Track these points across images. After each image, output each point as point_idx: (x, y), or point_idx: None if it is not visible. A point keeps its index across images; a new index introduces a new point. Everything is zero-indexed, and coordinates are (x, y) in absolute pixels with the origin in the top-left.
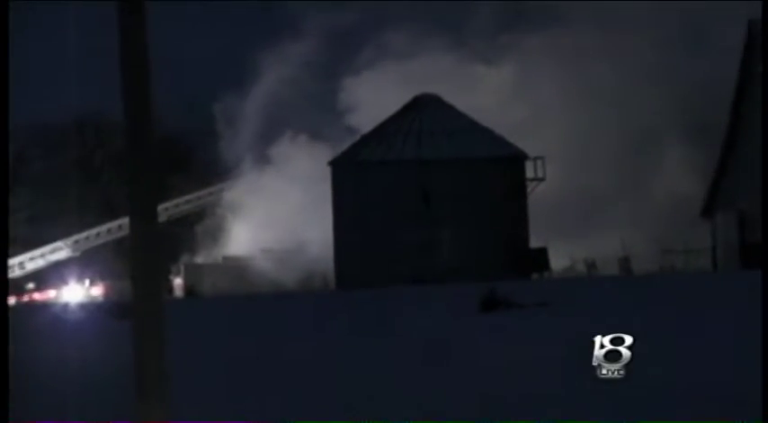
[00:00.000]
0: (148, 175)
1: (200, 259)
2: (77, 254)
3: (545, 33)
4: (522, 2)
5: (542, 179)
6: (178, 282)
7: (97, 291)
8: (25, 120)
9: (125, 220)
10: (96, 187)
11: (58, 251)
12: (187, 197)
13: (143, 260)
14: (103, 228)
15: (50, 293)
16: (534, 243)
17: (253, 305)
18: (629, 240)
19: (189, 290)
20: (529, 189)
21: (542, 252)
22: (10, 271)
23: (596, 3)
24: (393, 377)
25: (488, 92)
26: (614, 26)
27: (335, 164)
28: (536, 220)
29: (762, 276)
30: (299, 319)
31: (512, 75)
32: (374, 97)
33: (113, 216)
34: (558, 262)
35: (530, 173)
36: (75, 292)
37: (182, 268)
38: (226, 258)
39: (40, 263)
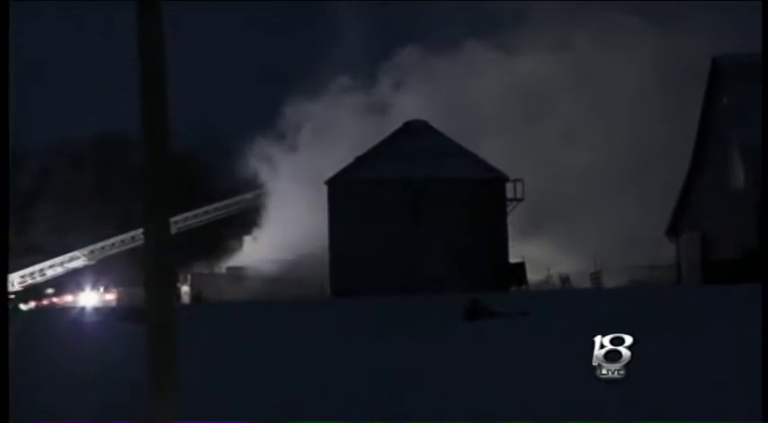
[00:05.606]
0: (163, 187)
1: (206, 269)
2: (93, 262)
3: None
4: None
5: (521, 199)
6: (185, 289)
7: (110, 296)
8: (49, 136)
9: (137, 232)
10: (113, 201)
11: (76, 260)
12: (195, 211)
13: (155, 268)
14: (117, 238)
15: (68, 298)
16: (513, 258)
17: (252, 311)
18: (600, 257)
19: (195, 297)
20: (509, 208)
21: (520, 267)
22: (31, 278)
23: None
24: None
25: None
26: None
27: (332, 182)
28: (515, 237)
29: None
30: (296, 324)
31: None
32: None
33: (128, 228)
34: (534, 276)
35: (510, 193)
36: (91, 298)
37: (189, 277)
38: (229, 268)
39: (58, 270)
